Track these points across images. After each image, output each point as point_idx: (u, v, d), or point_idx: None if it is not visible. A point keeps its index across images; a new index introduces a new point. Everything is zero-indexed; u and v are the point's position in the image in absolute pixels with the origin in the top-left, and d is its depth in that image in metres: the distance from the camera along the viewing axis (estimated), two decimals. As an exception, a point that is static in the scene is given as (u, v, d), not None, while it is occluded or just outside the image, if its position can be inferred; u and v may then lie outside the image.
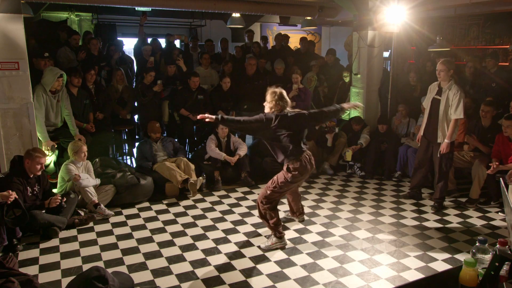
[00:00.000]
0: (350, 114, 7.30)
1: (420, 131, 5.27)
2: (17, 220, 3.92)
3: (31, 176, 4.31)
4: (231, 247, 4.16)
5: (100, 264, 3.79)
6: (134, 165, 6.36)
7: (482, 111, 5.43)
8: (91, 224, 4.69)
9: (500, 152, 5.01)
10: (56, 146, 5.39)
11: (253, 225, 4.70)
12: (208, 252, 4.05)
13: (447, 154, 4.95)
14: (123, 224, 4.73)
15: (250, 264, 3.82)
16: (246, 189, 5.92)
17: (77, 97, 5.84)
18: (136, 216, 4.97)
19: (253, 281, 3.53)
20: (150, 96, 6.60)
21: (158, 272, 3.66)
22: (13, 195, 3.81)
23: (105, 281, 1.83)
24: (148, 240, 4.33)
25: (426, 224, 4.73)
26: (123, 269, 3.70)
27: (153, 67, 7.10)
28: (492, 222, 4.79)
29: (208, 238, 4.36)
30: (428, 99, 5.06)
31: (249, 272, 3.67)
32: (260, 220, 4.82)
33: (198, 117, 3.89)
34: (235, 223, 4.76)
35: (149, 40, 8.20)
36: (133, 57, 8.23)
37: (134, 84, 7.57)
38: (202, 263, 3.83)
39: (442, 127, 4.87)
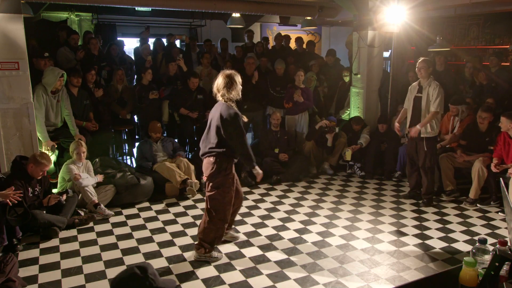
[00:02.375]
0: (350, 114, 7.30)
1: (396, 125, 5.45)
2: (19, 218, 3.92)
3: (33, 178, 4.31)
4: (231, 247, 4.15)
5: (100, 264, 3.80)
6: (134, 165, 6.35)
7: (480, 117, 5.39)
8: (91, 224, 4.69)
9: (502, 151, 5.01)
10: (56, 146, 5.38)
11: (253, 225, 4.70)
12: (208, 252, 4.05)
13: (430, 150, 5.16)
14: (123, 224, 4.73)
15: (250, 264, 3.81)
16: (246, 189, 5.91)
17: (77, 97, 5.83)
18: (136, 216, 4.97)
19: (253, 281, 3.53)
20: (146, 103, 6.58)
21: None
22: (13, 192, 3.79)
23: (146, 270, 1.86)
24: (148, 240, 4.32)
25: (426, 224, 4.73)
26: (123, 269, 3.70)
27: (151, 66, 7.09)
28: (492, 222, 4.79)
29: (208, 238, 4.36)
30: (410, 99, 5.28)
31: (249, 272, 3.67)
32: (260, 220, 4.84)
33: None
34: (235, 223, 4.75)
35: (150, 40, 8.22)
36: (133, 57, 8.25)
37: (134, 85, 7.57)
38: (202, 263, 3.83)
39: None
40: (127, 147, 7.16)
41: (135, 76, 7.88)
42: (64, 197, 4.58)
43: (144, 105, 6.58)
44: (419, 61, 5.07)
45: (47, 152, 5.20)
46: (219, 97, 3.69)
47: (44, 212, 4.33)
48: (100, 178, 5.09)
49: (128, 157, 7.13)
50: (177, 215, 5.00)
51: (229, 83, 3.62)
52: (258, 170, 3.84)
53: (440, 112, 5.06)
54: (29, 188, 4.26)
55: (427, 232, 4.51)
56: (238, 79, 3.69)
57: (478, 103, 6.01)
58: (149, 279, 1.82)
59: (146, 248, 4.13)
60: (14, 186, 4.04)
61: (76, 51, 6.73)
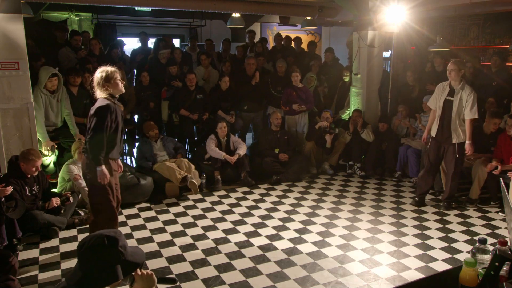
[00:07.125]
0: (350, 114, 7.30)
1: (427, 132, 5.15)
2: (16, 209, 3.91)
3: (29, 176, 4.30)
4: (231, 247, 4.16)
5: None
6: (134, 165, 6.35)
7: (495, 124, 5.24)
8: (91, 224, 4.69)
9: (502, 152, 5.01)
10: (56, 146, 5.38)
11: (253, 225, 4.70)
12: (208, 252, 4.05)
13: (461, 156, 4.92)
14: (123, 224, 4.72)
15: (250, 264, 3.81)
16: (246, 189, 5.92)
17: (78, 96, 5.81)
18: (136, 216, 4.97)
19: (253, 281, 3.53)
20: (146, 105, 6.63)
21: (158, 272, 3.66)
22: (7, 188, 3.79)
23: (116, 242, 1.81)
24: (148, 240, 4.33)
25: (426, 224, 4.73)
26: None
27: (151, 66, 7.12)
28: (492, 222, 4.79)
29: (208, 238, 4.36)
30: (438, 99, 4.93)
31: (249, 272, 3.67)
32: (260, 220, 4.83)
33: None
34: (235, 223, 4.76)
35: (150, 40, 8.21)
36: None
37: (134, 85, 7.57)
38: (202, 263, 3.83)
39: (455, 127, 4.82)
40: (127, 147, 7.16)
41: (134, 77, 7.89)
42: (71, 199, 4.60)
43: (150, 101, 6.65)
44: (450, 62, 4.81)
45: (46, 152, 5.21)
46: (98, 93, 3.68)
47: (44, 212, 4.33)
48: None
49: (128, 157, 7.13)
50: (177, 215, 5.00)
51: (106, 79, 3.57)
52: (103, 171, 3.50)
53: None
54: (26, 187, 4.25)
55: (427, 232, 4.51)
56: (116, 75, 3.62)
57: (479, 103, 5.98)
58: (119, 252, 1.79)
59: (146, 248, 4.12)
60: (10, 184, 4.03)
61: (78, 51, 6.72)
